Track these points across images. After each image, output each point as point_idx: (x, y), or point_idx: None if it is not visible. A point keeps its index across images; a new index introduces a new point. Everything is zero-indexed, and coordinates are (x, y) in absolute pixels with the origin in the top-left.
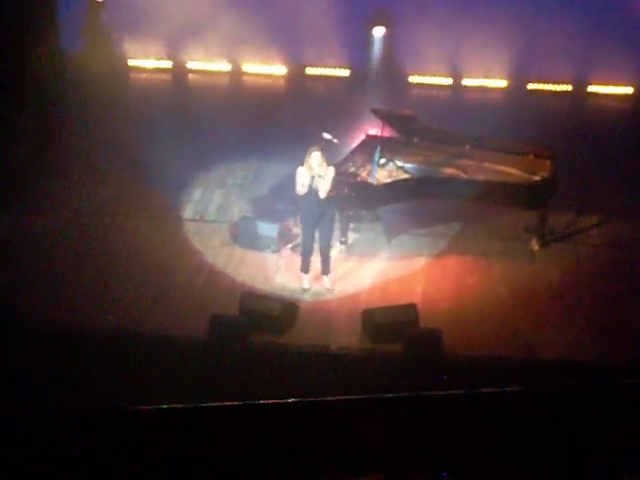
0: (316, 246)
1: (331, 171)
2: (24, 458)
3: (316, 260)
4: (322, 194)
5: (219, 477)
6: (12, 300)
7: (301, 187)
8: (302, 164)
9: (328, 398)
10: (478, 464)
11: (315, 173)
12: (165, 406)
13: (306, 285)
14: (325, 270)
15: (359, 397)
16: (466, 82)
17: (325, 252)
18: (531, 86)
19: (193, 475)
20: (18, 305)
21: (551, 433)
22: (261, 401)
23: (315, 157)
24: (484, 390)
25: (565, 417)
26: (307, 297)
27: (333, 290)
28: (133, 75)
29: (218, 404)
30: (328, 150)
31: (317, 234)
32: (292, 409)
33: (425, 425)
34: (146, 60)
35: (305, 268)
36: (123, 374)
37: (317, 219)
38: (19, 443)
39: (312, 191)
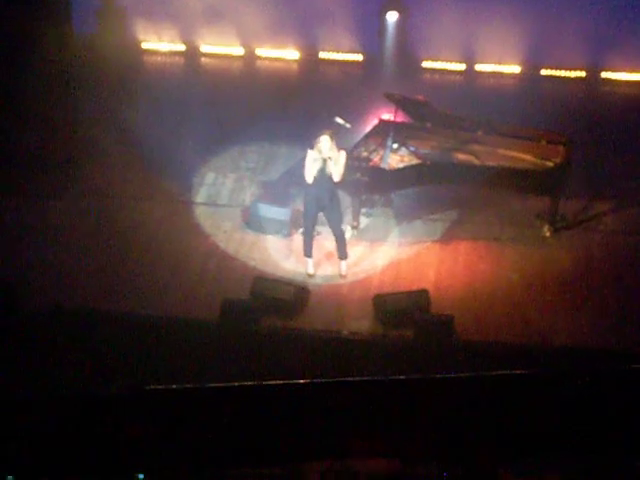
0: (323, 230)
1: (343, 155)
2: (37, 438)
3: (323, 243)
4: (336, 177)
5: (231, 456)
6: (25, 283)
7: (310, 171)
8: (311, 148)
9: (339, 379)
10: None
11: (326, 156)
12: (175, 386)
13: (310, 270)
14: (342, 254)
15: (370, 379)
16: (479, 67)
17: (340, 236)
18: (544, 72)
19: (203, 453)
20: (31, 288)
21: (562, 421)
22: (272, 382)
23: (324, 141)
24: (495, 373)
25: (576, 404)
26: (318, 281)
27: (346, 277)
28: (146, 58)
29: (229, 384)
30: (341, 134)
31: (326, 218)
32: (303, 390)
33: (436, 407)
34: (159, 43)
35: (308, 252)
36: (136, 355)
37: (326, 203)
38: (32, 423)
39: (323, 175)
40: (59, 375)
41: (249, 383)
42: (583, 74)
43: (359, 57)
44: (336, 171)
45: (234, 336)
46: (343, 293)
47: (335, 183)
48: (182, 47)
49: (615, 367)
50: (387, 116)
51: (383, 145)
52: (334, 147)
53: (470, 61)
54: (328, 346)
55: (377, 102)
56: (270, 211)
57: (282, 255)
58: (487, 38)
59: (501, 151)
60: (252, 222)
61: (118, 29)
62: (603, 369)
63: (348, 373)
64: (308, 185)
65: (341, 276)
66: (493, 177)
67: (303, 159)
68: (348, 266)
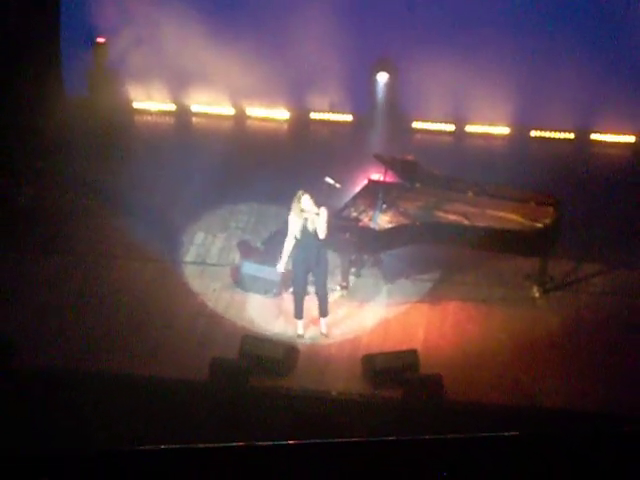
0: (311, 290)
1: (324, 211)
2: None
3: (311, 304)
4: (321, 234)
5: None
6: (12, 341)
7: (296, 234)
8: (290, 210)
9: (328, 440)
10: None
11: (308, 215)
12: (163, 447)
13: (300, 331)
14: (323, 313)
15: (360, 440)
16: (469, 128)
17: (323, 295)
18: (534, 133)
19: None
20: (18, 346)
21: None
22: (261, 443)
23: (305, 199)
24: (484, 434)
25: (566, 465)
26: (307, 341)
27: (327, 336)
28: (137, 117)
29: (218, 445)
30: (330, 195)
31: (313, 277)
32: (292, 451)
33: (426, 468)
34: (150, 103)
35: (299, 314)
36: (123, 415)
37: (312, 262)
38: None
39: (308, 234)
40: (45, 434)
41: (238, 444)
42: (572, 136)
43: (349, 117)
44: (320, 228)
45: (223, 396)
46: (332, 353)
47: (320, 241)
48: (173, 107)
49: (605, 429)
50: (376, 176)
51: (372, 205)
52: (313, 205)
53: (460, 122)
54: (317, 406)
55: (366, 162)
56: (259, 270)
57: (271, 315)
58: (477, 99)
59: (490, 212)
60: (242, 282)
61: (109, 90)
62: (593, 431)
63: (337, 434)
64: (295, 247)
65: (322, 334)
66: (482, 238)
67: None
68: (337, 326)
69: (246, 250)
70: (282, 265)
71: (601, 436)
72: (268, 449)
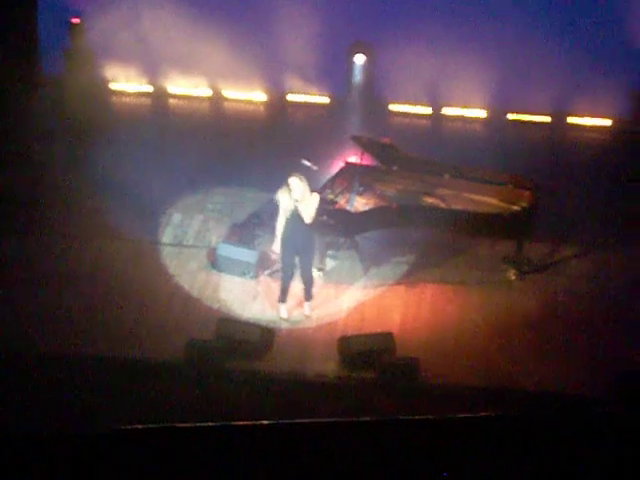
0: (296, 272)
1: (316, 197)
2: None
3: (294, 287)
4: (307, 219)
5: None
6: None
7: (283, 211)
8: (278, 191)
9: (303, 420)
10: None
11: (296, 198)
12: (140, 426)
13: (284, 314)
14: (308, 296)
15: (334, 420)
16: (446, 111)
17: (308, 278)
18: (511, 116)
19: None
20: None
21: (525, 464)
22: (236, 423)
23: (294, 183)
24: (459, 415)
25: (539, 445)
26: (284, 324)
27: (310, 317)
28: (114, 99)
29: (193, 425)
30: (307, 177)
31: (298, 260)
32: (266, 431)
33: (399, 449)
34: (127, 84)
35: (283, 297)
36: (101, 397)
37: (300, 246)
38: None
39: (295, 217)
40: (21, 416)
41: (214, 424)
42: (549, 119)
43: (326, 99)
44: (307, 213)
45: (199, 377)
46: (308, 335)
47: (307, 225)
48: (150, 88)
49: (580, 411)
50: (353, 159)
51: (349, 188)
52: (307, 189)
53: (437, 105)
54: (293, 388)
55: (343, 145)
56: (236, 253)
57: (248, 297)
58: (454, 82)
59: (467, 195)
60: (218, 263)
61: (86, 70)
62: (568, 412)
63: (312, 415)
64: (283, 228)
65: (306, 316)
66: (459, 220)
67: (270, 201)
68: (312, 308)
69: (223, 231)
70: (277, 245)
71: (577, 417)
72: (242, 429)
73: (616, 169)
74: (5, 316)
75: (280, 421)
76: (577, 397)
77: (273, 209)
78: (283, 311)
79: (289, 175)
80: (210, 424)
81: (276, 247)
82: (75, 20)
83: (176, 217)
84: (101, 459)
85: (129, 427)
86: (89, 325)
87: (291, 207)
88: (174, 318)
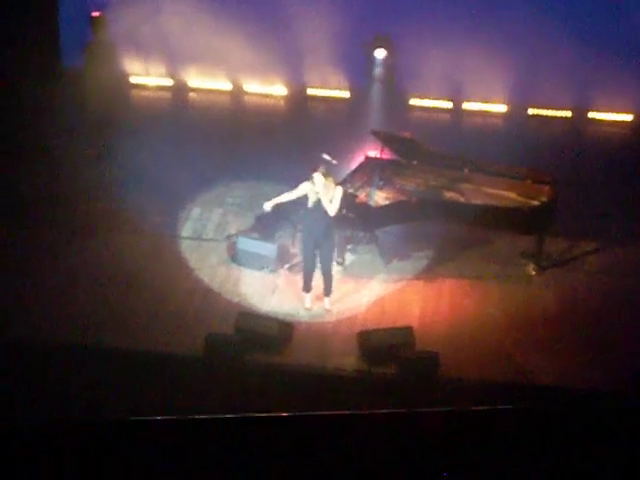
0: (317, 265)
1: (339, 191)
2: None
3: (314, 281)
4: (331, 212)
5: None
6: (8, 315)
7: (308, 205)
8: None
9: (320, 412)
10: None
11: (319, 191)
12: (159, 417)
13: (308, 304)
14: (327, 291)
15: (351, 412)
16: (466, 106)
17: (328, 272)
18: (531, 111)
19: None
20: (15, 320)
21: (543, 457)
22: (255, 414)
23: (317, 178)
24: (477, 408)
25: (555, 439)
26: (304, 317)
27: (330, 311)
28: (134, 92)
29: (211, 416)
30: (327, 171)
31: (318, 254)
32: (286, 422)
33: (417, 441)
34: (148, 77)
35: (307, 287)
36: (118, 389)
37: (320, 238)
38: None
39: (317, 209)
40: (42, 408)
41: (232, 415)
42: (569, 114)
43: (346, 94)
44: (331, 207)
45: (218, 371)
46: (327, 329)
47: (330, 218)
48: (170, 81)
49: (599, 406)
50: (373, 153)
51: (369, 182)
52: (331, 183)
53: (457, 99)
54: (312, 381)
55: (363, 139)
56: (255, 246)
57: (267, 291)
58: (475, 77)
59: (487, 189)
60: (238, 257)
61: (107, 63)
62: (586, 407)
63: (332, 409)
64: (304, 221)
65: (326, 311)
66: (478, 215)
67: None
68: (332, 302)
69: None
70: (269, 203)
71: (592, 412)
72: (261, 420)
73: (636, 164)
74: (23, 308)
75: (297, 413)
76: (593, 392)
77: (292, 203)
78: (307, 301)
79: (313, 170)
80: (227, 416)
81: (267, 205)
82: (95, 13)
83: (196, 211)
84: (118, 449)
85: (147, 418)
86: (108, 318)
87: (314, 200)
88: (194, 311)
